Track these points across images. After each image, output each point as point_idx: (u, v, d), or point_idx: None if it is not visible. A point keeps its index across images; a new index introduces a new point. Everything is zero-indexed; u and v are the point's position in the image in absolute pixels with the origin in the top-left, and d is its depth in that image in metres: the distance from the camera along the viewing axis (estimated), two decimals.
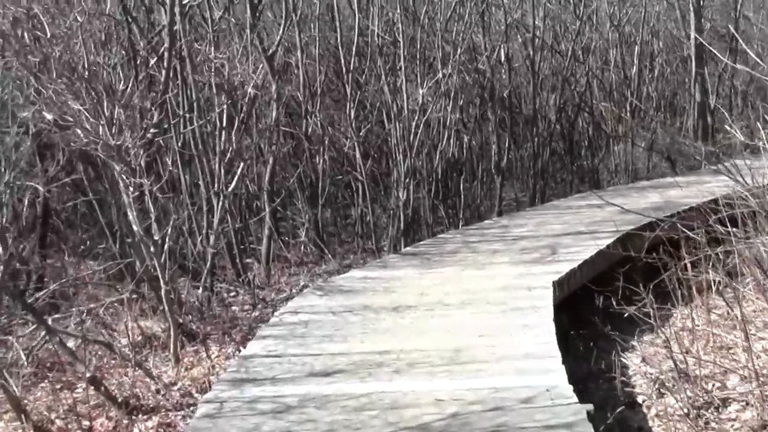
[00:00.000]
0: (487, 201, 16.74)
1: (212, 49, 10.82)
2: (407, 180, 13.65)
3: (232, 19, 13.78)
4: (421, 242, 12.72)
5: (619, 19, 19.32)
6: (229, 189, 10.52)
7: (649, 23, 20.95)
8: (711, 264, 9.65)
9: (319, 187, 14.13)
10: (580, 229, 12.09)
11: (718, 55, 19.17)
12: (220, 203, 10.45)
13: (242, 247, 13.82)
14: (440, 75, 14.66)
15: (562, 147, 18.08)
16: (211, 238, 10.63)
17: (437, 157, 14.86)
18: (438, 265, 10.52)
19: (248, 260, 13.62)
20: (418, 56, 14.69)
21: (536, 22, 16.61)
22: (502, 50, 16.70)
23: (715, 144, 20.34)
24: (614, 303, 8.75)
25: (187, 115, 11.49)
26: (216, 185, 10.68)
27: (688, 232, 9.96)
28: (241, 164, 10.81)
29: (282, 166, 14.74)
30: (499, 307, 8.40)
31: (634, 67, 20.07)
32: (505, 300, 8.64)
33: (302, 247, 13.75)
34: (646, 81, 20.79)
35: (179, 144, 11.44)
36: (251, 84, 11.57)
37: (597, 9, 19.90)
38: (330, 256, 13.82)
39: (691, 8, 21.26)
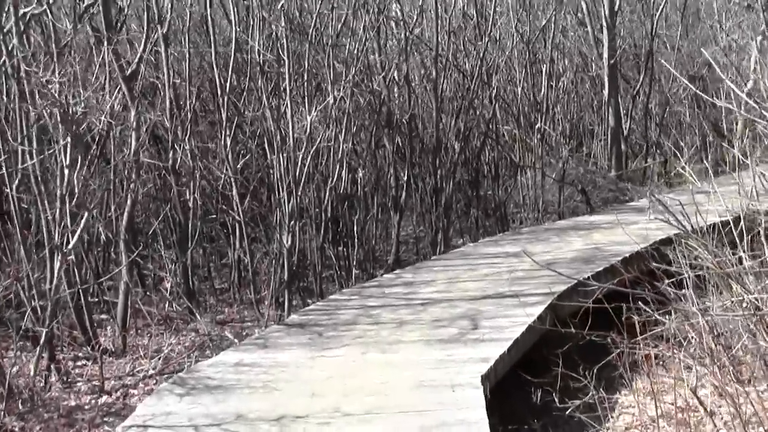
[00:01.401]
0: (382, 242, 15.16)
1: (51, 69, 8.95)
2: (292, 222, 11.98)
3: (89, 31, 12.01)
4: (311, 307, 11.00)
5: (528, 37, 17.87)
6: (70, 245, 8.71)
7: (556, 40, 19.59)
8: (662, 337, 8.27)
9: (188, 228, 12.38)
10: (500, 289, 10.55)
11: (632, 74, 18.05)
12: (58, 261, 8.63)
13: (96, 299, 12.07)
14: (331, 98, 13.04)
15: (467, 178, 16.57)
16: (49, 303, 8.82)
17: (327, 192, 13.22)
18: (333, 344, 8.84)
19: (104, 317, 11.87)
20: (305, 76, 13.05)
21: (439, 39, 15.07)
22: (400, 69, 15.14)
23: (629, 173, 19.13)
24: (552, 393, 7.33)
25: (24, 149, 9.69)
26: (56, 236, 8.88)
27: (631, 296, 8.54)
28: (86, 213, 8.96)
29: (145, 205, 12.98)
30: (417, 420, 6.73)
31: (543, 88, 18.67)
32: (424, 406, 6.98)
33: (168, 302, 11.97)
34: (554, 104, 19.45)
35: (15, 184, 9.65)
36: (106, 111, 9.85)
37: (500, 24, 18.50)
38: (201, 311, 12.12)
39: (605, 26, 20.02)
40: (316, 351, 8.58)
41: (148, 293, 12.69)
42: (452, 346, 8.33)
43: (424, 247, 15.17)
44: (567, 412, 7.50)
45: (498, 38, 17.81)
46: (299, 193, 12.23)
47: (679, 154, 20.41)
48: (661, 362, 8.84)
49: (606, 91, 20.02)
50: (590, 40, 21.48)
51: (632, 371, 8.37)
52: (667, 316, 8.20)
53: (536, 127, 17.92)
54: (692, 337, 8.34)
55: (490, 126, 16.62)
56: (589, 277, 10.35)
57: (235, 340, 10.48)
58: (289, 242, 11.99)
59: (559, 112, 20.47)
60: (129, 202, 10.73)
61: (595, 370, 7.62)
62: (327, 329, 9.36)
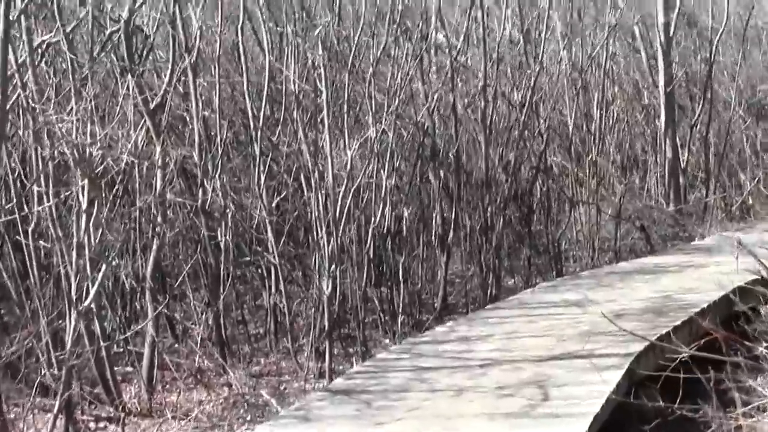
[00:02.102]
0: (427, 283, 14.29)
1: (68, 105, 8.17)
2: (332, 268, 11.14)
3: (112, 60, 11.28)
4: (357, 369, 10.01)
5: (581, 64, 17.02)
6: (87, 301, 7.90)
7: (606, 66, 18.67)
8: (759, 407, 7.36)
9: (220, 272, 11.57)
10: (566, 347, 9.58)
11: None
12: (74, 319, 7.82)
13: (120, 350, 11.29)
14: (372, 131, 12.22)
15: (517, 215, 15.71)
16: (65, 366, 8.01)
17: (369, 233, 12.39)
18: (384, 417, 7.81)
19: (129, 369, 11.07)
20: (344, 107, 12.25)
21: (488, 68, 14.24)
22: (445, 99, 14.32)
23: (688, 208, 18.24)
24: None
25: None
26: (73, 291, 8.07)
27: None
28: (104, 266, 8.14)
29: (173, 247, 12.20)
30: None
31: (595, 118, 17.77)
32: None
33: (198, 354, 11.16)
34: (605, 135, 18.52)
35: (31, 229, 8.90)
36: (128, 148, 9.08)
37: (549, 51, 17.65)
38: (234, 361, 11.32)
39: (660, 51, 19.12)
40: (365, 426, 7.55)
41: (177, 343, 11.92)
42: (522, 423, 7.31)
43: (472, 288, 14.30)
44: None
45: (545, 65, 16.97)
46: (339, 235, 11.41)
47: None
48: None
49: (662, 121, 19.10)
50: (643, 66, 20.60)
51: None
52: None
53: (589, 159, 17.07)
54: None
55: (542, 159, 15.74)
56: (668, 333, 9.44)
57: (272, 401, 9.65)
58: (330, 288, 11.16)
59: (610, 143, 19.60)
60: (155, 246, 9.93)
61: None
62: (376, 397, 8.36)
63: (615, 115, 19.61)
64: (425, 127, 13.90)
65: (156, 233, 10.03)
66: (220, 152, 11.70)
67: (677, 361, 7.52)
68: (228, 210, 11.86)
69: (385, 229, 12.98)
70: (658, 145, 20.30)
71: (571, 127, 16.99)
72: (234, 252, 12.36)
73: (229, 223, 11.91)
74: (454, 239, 14.28)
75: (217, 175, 11.60)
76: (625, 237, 17.27)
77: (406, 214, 13.34)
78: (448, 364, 9.41)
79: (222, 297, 11.56)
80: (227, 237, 11.74)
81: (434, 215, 14.10)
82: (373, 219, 12.38)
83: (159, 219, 9.94)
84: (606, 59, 17.99)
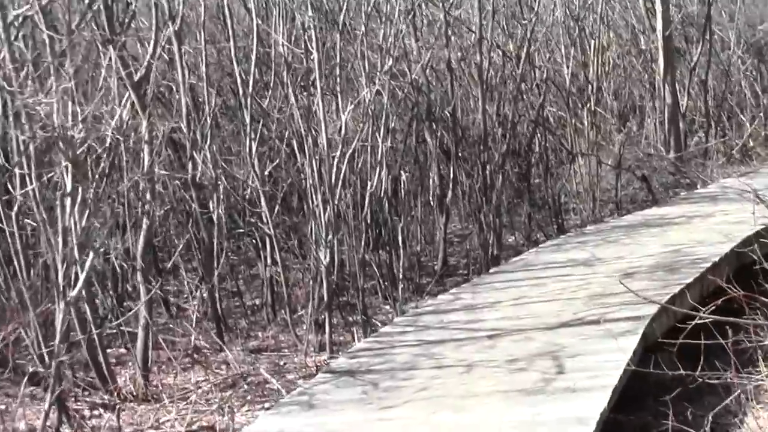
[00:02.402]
0: (428, 246, 13.99)
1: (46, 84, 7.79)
2: (330, 237, 10.82)
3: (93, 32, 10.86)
4: (360, 345, 9.52)
5: (576, 11, 16.61)
6: (74, 291, 7.57)
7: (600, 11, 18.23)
8: None
9: (214, 247, 11.25)
10: (578, 312, 9.23)
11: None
12: (62, 310, 7.50)
13: (114, 331, 10.97)
14: (366, 93, 11.86)
15: (516, 171, 15.36)
16: (54, 358, 7.69)
17: (366, 198, 12.06)
18: (392, 400, 7.42)
19: (123, 351, 10.77)
20: (337, 69, 11.88)
21: (482, 20, 13.84)
22: (439, 55, 13.95)
23: (688, 155, 17.92)
24: None
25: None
26: (60, 279, 7.74)
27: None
28: (91, 253, 7.79)
29: (164, 222, 11.87)
30: None
31: (591, 67, 17.38)
32: None
33: (194, 333, 10.84)
34: (604, 82, 18.13)
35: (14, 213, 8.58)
36: (112, 124, 8.72)
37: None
38: (232, 336, 11.05)
39: None
40: (372, 411, 7.18)
41: (172, 319, 11.63)
42: (538, 400, 6.94)
43: (472, 248, 13.97)
44: None
45: (540, 14, 16.54)
46: (335, 202, 11.08)
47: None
48: None
49: (661, 66, 18.69)
50: (639, 10, 20.18)
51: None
52: None
53: (587, 108, 16.70)
54: None
55: (540, 112, 15.37)
56: (682, 291, 9.14)
57: (273, 380, 9.35)
58: (327, 258, 10.85)
59: (606, 90, 19.22)
60: (145, 225, 9.59)
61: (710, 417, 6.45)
62: (383, 377, 7.97)
63: (611, 62, 19.22)
64: (419, 85, 13.53)
65: (145, 211, 9.67)
66: (209, 121, 11.38)
67: (693, 323, 7.25)
68: (219, 181, 11.53)
69: (382, 192, 12.63)
70: (656, 91, 19.95)
71: (568, 77, 16.62)
72: (227, 224, 12.06)
73: (221, 195, 11.61)
74: (452, 199, 13.95)
75: (206, 146, 11.27)
76: (625, 187, 16.94)
77: (403, 176, 13.00)
78: (456, 336, 9.04)
79: (216, 272, 11.26)
80: (219, 209, 11.42)
81: (431, 175, 13.76)
82: (369, 183, 12.04)
83: (148, 196, 9.57)
84: (601, 3, 17.58)
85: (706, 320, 6.92)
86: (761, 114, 19.93)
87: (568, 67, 16.64)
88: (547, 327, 8.90)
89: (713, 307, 7.19)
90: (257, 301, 12.74)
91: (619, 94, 20.34)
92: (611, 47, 19.60)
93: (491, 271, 12.07)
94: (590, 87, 16.86)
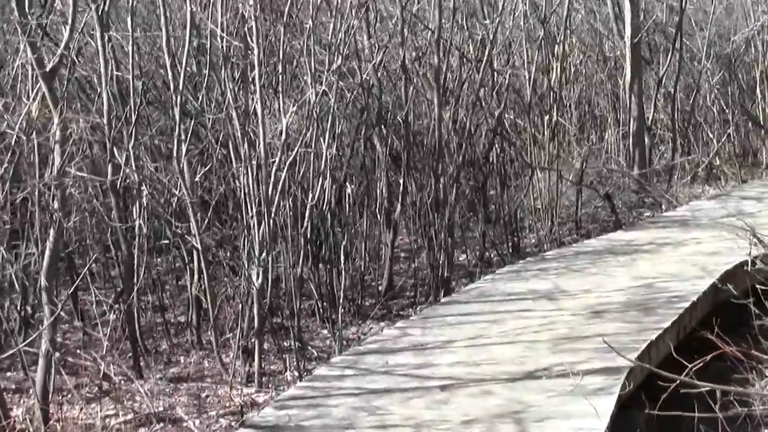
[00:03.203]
0: (373, 264, 12.91)
1: None
2: (264, 256, 9.72)
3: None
4: (291, 392, 8.30)
5: (543, 13, 15.60)
6: None
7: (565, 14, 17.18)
8: None
9: (133, 262, 10.11)
10: (543, 358, 8.14)
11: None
12: None
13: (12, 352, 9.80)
14: (311, 93, 10.75)
15: (472, 184, 14.30)
16: None
17: (307, 210, 10.96)
18: None
19: (32, 372, 9.59)
20: (280, 66, 10.75)
21: (441, 19, 12.76)
22: (392, 55, 12.87)
23: (653, 172, 17.01)
24: None
25: None
26: None
27: None
28: None
29: (79, 233, 10.72)
30: None
31: (554, 73, 16.32)
32: None
33: (106, 359, 9.69)
34: (564, 90, 17.07)
35: None
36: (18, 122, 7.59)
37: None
38: (150, 360, 9.96)
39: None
40: None
41: (87, 336, 10.53)
42: None
43: (421, 267, 12.91)
44: None
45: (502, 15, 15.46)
46: (272, 216, 9.98)
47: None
48: None
49: (627, 75, 17.71)
50: (607, 14, 19.19)
51: None
52: None
53: (548, 118, 15.68)
54: None
55: (500, 121, 14.32)
56: (659, 338, 8.17)
57: (190, 423, 8.25)
58: (260, 279, 9.75)
59: (566, 98, 18.24)
60: (51, 238, 8.43)
61: None
62: None
63: (573, 68, 18.21)
64: (371, 86, 12.43)
65: (53, 220, 8.50)
66: (133, 120, 10.24)
67: (674, 385, 6.23)
68: (144, 187, 10.40)
69: (325, 204, 11.53)
70: (619, 102, 19.02)
71: (529, 84, 15.56)
72: (151, 234, 10.95)
73: (145, 203, 10.47)
74: (401, 212, 12.87)
75: (130, 147, 10.11)
76: (586, 204, 15.95)
77: (349, 189, 11.90)
78: (402, 384, 7.91)
79: (135, 289, 10.13)
80: (140, 219, 10.28)
81: (380, 186, 12.68)
82: (311, 194, 10.93)
83: (56, 204, 8.42)
84: (567, 8, 16.55)
85: (701, 389, 5.90)
86: (729, 131, 19.01)
87: (529, 72, 15.60)
88: (509, 377, 7.81)
89: (702, 362, 6.22)
90: (183, 318, 11.65)
91: (580, 103, 19.37)
92: (573, 52, 18.60)
93: (443, 300, 10.94)
94: (552, 95, 15.82)
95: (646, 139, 17.78)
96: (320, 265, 11.86)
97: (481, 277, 12.05)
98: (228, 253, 11.49)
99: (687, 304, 9.36)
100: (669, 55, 18.34)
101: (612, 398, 7.00)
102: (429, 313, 10.29)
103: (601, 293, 10.14)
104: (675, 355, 6.58)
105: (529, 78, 15.31)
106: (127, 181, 10.28)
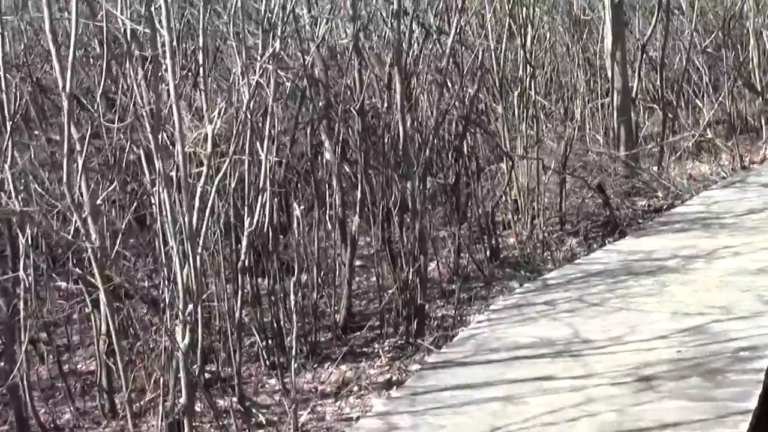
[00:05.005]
0: (327, 288, 10.67)
1: None
2: (190, 309, 7.45)
3: None
4: None
5: None
6: None
7: None
8: None
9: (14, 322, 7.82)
10: None
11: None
12: None
13: None
14: (243, 86, 8.52)
15: (442, 182, 12.10)
16: None
17: (245, 240, 8.69)
18: None
19: None
20: (200, 56, 8.47)
21: None
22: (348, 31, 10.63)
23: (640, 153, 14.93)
24: None
25: None
26: None
27: None
28: None
29: None
30: None
31: (523, 41, 14.14)
32: None
33: None
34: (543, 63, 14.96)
35: None
36: None
37: None
38: None
39: None
40: None
41: None
42: None
43: (385, 287, 10.68)
44: None
45: None
46: (198, 252, 7.68)
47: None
48: None
49: (608, 41, 15.51)
50: None
51: None
52: None
53: (517, 93, 13.55)
54: None
55: (472, 106, 12.07)
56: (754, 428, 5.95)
57: None
58: (187, 340, 7.47)
59: (541, 71, 16.20)
60: None
61: None
62: None
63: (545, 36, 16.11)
64: (317, 73, 10.17)
65: None
66: (12, 127, 7.94)
67: None
68: (33, 212, 8.09)
69: (266, 227, 9.26)
70: (593, 69, 16.95)
71: (500, 57, 13.37)
72: (42, 271, 8.72)
73: (32, 231, 8.21)
74: (360, 225, 10.64)
75: (6, 164, 7.80)
76: (569, 195, 13.82)
77: (297, 209, 9.57)
78: None
79: (23, 352, 7.83)
80: (27, 256, 8.01)
81: (333, 194, 10.44)
82: (247, 219, 8.66)
83: None
84: None
85: None
86: (721, 99, 16.96)
87: (499, 42, 13.43)
88: None
89: None
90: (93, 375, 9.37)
91: (545, 71, 17.31)
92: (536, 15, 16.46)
93: (433, 361, 8.13)
94: (526, 66, 13.65)
95: (633, 115, 15.63)
96: (262, 301, 9.67)
97: (464, 305, 9.77)
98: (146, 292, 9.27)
99: (766, 364, 7.03)
100: (655, 17, 16.19)
101: None
102: (417, 385, 7.55)
103: (639, 344, 7.65)
104: None
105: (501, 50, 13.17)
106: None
